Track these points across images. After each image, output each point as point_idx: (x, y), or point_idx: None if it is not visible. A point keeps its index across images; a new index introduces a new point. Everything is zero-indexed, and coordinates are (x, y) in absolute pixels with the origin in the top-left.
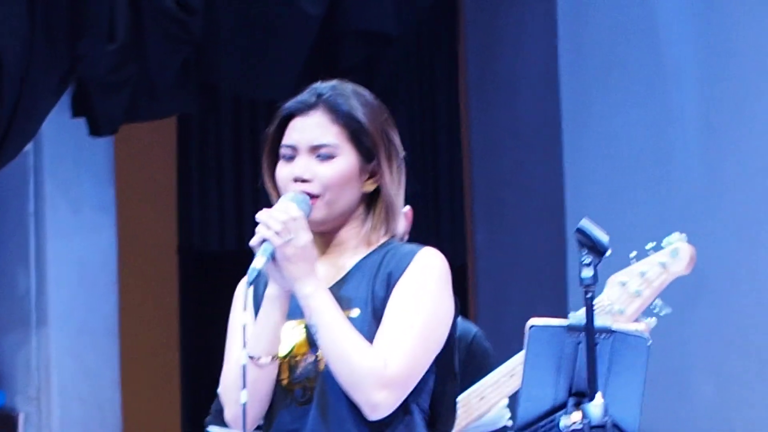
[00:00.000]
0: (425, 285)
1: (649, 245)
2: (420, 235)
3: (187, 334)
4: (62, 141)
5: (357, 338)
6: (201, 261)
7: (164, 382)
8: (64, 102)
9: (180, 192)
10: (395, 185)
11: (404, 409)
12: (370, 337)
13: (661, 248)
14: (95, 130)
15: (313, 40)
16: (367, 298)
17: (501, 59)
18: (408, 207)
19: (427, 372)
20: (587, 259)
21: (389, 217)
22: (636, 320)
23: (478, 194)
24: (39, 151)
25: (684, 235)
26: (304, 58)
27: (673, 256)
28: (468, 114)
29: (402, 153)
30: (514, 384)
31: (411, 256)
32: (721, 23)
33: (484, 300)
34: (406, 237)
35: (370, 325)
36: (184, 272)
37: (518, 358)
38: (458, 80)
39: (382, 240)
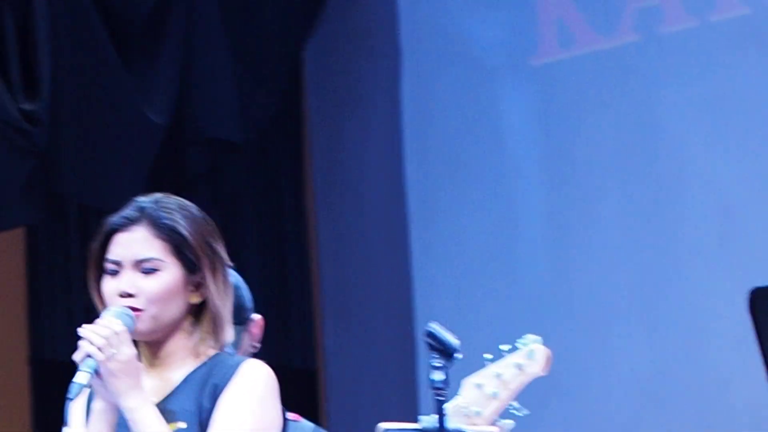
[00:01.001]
0: (250, 396)
1: (505, 347)
2: (270, 341)
3: None
4: None
5: None
6: (53, 371)
7: None
8: None
9: (30, 301)
10: (222, 297)
11: None
12: None
13: (516, 349)
14: None
15: (159, 148)
16: (194, 411)
17: (347, 163)
18: (259, 316)
19: None
20: (437, 362)
21: (217, 328)
22: (493, 422)
23: (327, 299)
24: None
25: (539, 337)
26: (150, 166)
27: (530, 357)
28: (315, 218)
29: (229, 264)
30: None
31: (236, 367)
32: (562, 126)
33: (335, 404)
34: (259, 345)
35: None
36: (35, 382)
37: None
38: (304, 185)
39: (211, 352)
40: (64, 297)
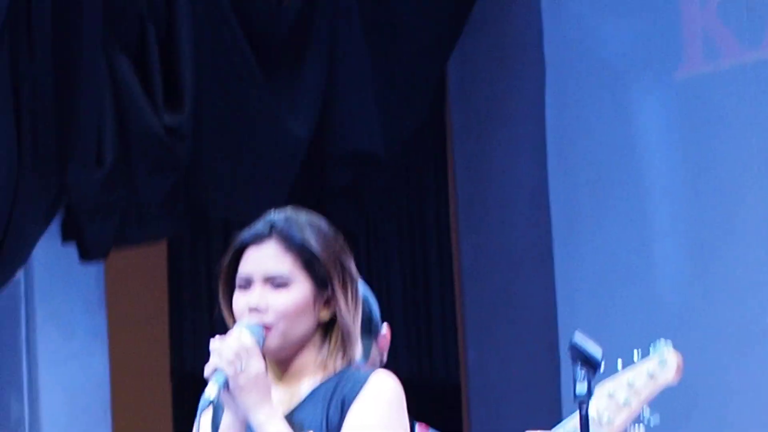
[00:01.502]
0: (377, 409)
1: (636, 353)
2: (413, 354)
3: None
4: (52, 267)
5: None
6: (195, 385)
7: None
8: (54, 228)
9: (172, 316)
10: (351, 312)
11: None
12: None
13: (648, 356)
14: (85, 256)
15: (301, 162)
16: (322, 424)
17: (490, 176)
18: (385, 324)
19: None
20: (581, 374)
21: (346, 343)
22: (625, 430)
23: (469, 312)
24: (29, 278)
25: (670, 341)
26: (292, 179)
27: (661, 365)
28: (458, 232)
29: (357, 279)
30: None
31: (364, 380)
32: (704, 139)
33: (477, 418)
34: (385, 358)
35: None
36: (177, 397)
37: None
38: (448, 199)
39: (339, 367)
40: (206, 310)
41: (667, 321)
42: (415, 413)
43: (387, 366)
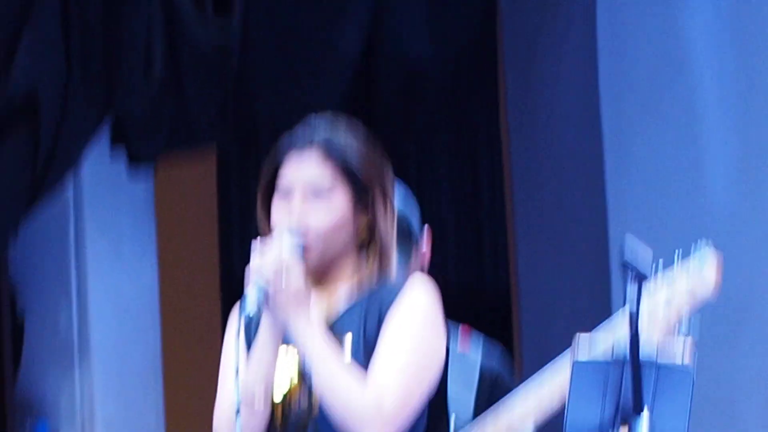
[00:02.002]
0: (414, 317)
1: (677, 254)
2: (463, 262)
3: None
4: (101, 177)
5: (351, 377)
6: (243, 294)
7: (209, 418)
8: (103, 140)
9: (221, 225)
10: (389, 226)
11: None
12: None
13: (688, 257)
14: (134, 166)
15: (350, 75)
16: (359, 336)
17: (541, 90)
18: (426, 233)
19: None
20: (633, 290)
21: (383, 257)
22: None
23: (519, 219)
24: (78, 187)
25: (710, 243)
26: (342, 90)
27: (700, 280)
28: (509, 142)
29: (395, 189)
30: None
31: (399, 288)
32: (754, 51)
33: (527, 324)
34: (428, 256)
35: (362, 361)
36: (227, 306)
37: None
38: (498, 112)
39: (377, 278)
40: (255, 220)
41: (717, 230)
42: (462, 318)
43: (436, 273)
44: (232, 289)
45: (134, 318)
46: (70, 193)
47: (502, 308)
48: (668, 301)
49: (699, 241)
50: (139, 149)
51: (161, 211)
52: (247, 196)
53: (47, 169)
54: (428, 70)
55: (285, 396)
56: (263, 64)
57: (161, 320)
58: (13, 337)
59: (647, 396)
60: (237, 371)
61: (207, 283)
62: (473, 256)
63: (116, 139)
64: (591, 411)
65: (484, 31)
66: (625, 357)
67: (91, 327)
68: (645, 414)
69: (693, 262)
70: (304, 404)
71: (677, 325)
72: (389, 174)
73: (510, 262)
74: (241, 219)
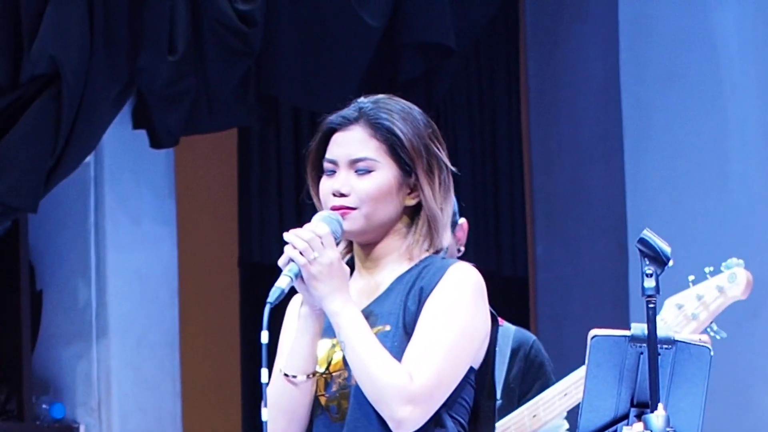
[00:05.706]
0: (456, 300)
1: (708, 269)
2: (481, 248)
3: (248, 345)
4: (122, 153)
5: (383, 354)
6: (262, 273)
7: (225, 393)
8: (125, 114)
9: (241, 203)
10: (439, 199)
11: (436, 422)
12: (400, 352)
13: (720, 272)
14: (156, 143)
15: (373, 52)
16: (399, 313)
17: (562, 71)
18: (463, 219)
19: (465, 385)
20: (649, 270)
21: (432, 231)
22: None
23: (538, 206)
24: (99, 163)
25: (742, 261)
26: (364, 69)
27: (731, 280)
28: (528, 126)
29: (449, 167)
30: (567, 403)
31: (443, 270)
32: None
33: (544, 312)
34: (463, 249)
35: (401, 340)
36: (245, 283)
37: (573, 378)
38: (519, 92)
39: (424, 255)
40: (275, 200)
41: (737, 217)
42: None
43: (460, 259)
44: (251, 268)
45: (153, 294)
46: (90, 170)
47: (520, 297)
48: (699, 297)
49: (729, 259)
50: (160, 126)
51: (182, 188)
52: (267, 174)
53: (68, 144)
54: (449, 45)
55: (327, 369)
56: (285, 42)
57: (179, 297)
58: (31, 314)
59: (664, 377)
60: (264, 348)
61: (226, 260)
62: (491, 242)
63: (139, 117)
64: (606, 399)
65: (506, 8)
66: (643, 334)
67: (110, 303)
68: (660, 411)
69: (725, 272)
70: (344, 377)
71: (707, 326)
72: (441, 151)
73: (528, 249)
74: (261, 197)
